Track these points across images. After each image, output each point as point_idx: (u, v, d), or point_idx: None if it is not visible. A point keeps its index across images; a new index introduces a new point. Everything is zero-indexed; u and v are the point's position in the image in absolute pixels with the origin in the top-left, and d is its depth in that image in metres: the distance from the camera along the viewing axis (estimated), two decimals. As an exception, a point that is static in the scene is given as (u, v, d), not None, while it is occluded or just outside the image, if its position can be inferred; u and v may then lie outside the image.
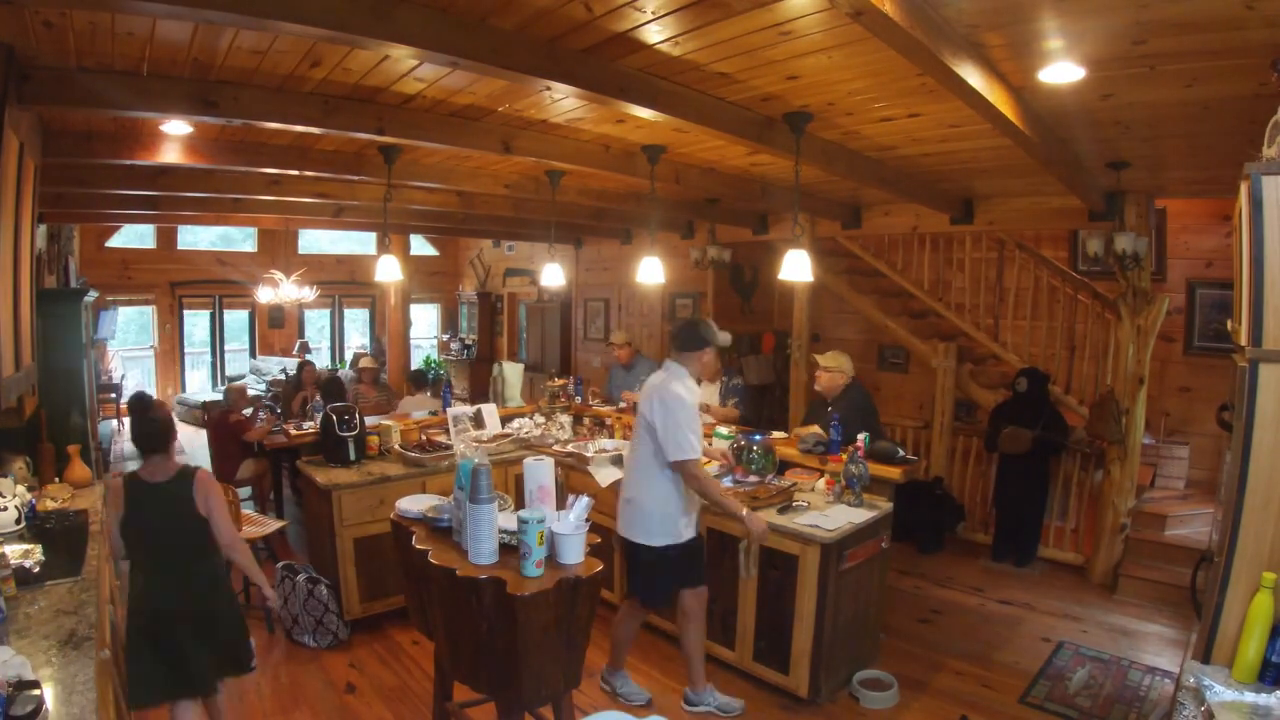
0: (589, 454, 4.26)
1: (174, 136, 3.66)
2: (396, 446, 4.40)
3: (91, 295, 4.51)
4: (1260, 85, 2.52)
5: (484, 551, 2.23)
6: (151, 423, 2.58)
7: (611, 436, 4.89)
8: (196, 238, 11.69)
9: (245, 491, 5.54)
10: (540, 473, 2.44)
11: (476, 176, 4.82)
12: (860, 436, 3.63)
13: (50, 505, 3.12)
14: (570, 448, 4.44)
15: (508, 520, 2.41)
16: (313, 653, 3.75)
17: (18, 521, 2.75)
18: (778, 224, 6.68)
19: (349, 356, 12.28)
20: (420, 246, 12.92)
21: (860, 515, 3.35)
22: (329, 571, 3.91)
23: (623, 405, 5.31)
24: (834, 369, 4.23)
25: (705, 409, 4.88)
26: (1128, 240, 4.41)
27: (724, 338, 3.22)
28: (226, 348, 12.01)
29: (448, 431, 4.72)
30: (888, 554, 3.65)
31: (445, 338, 13.29)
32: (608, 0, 2.11)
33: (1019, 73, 2.61)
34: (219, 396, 8.68)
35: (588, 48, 2.48)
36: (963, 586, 4.79)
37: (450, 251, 13.58)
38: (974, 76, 2.37)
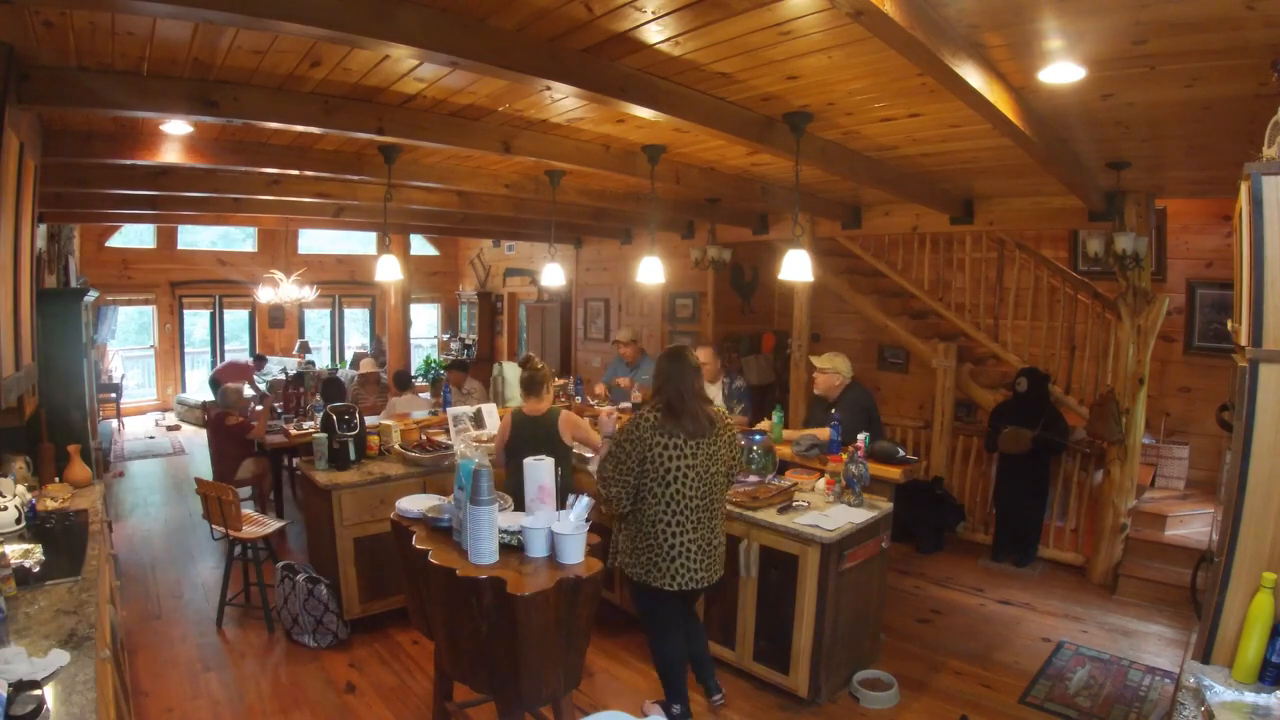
0: (589, 454, 4.25)
1: (174, 136, 3.66)
2: (396, 446, 4.40)
3: (91, 295, 4.50)
4: (1260, 85, 2.52)
5: (484, 551, 2.23)
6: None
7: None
8: (196, 238, 11.69)
9: (245, 491, 5.54)
10: (540, 473, 2.44)
11: (476, 176, 4.82)
12: (860, 436, 3.63)
13: (50, 505, 3.12)
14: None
15: (508, 520, 2.41)
16: (313, 653, 3.75)
17: (18, 521, 2.74)
18: (778, 224, 6.69)
19: (349, 356, 12.29)
20: (420, 246, 12.93)
21: (860, 515, 3.35)
22: (329, 571, 3.91)
23: (624, 405, 5.30)
24: (829, 370, 4.22)
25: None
26: (1128, 240, 4.41)
27: None
28: (226, 347, 12.02)
29: (448, 431, 4.72)
30: (888, 554, 3.65)
31: (445, 338, 13.29)
32: (608, 0, 2.11)
33: (1019, 73, 2.61)
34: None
35: (588, 48, 2.48)
36: (963, 586, 4.79)
37: (450, 251, 13.59)
38: (974, 76, 2.37)
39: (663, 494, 2.75)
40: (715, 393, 4.98)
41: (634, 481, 2.78)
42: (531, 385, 3.66)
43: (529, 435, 3.55)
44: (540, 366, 3.73)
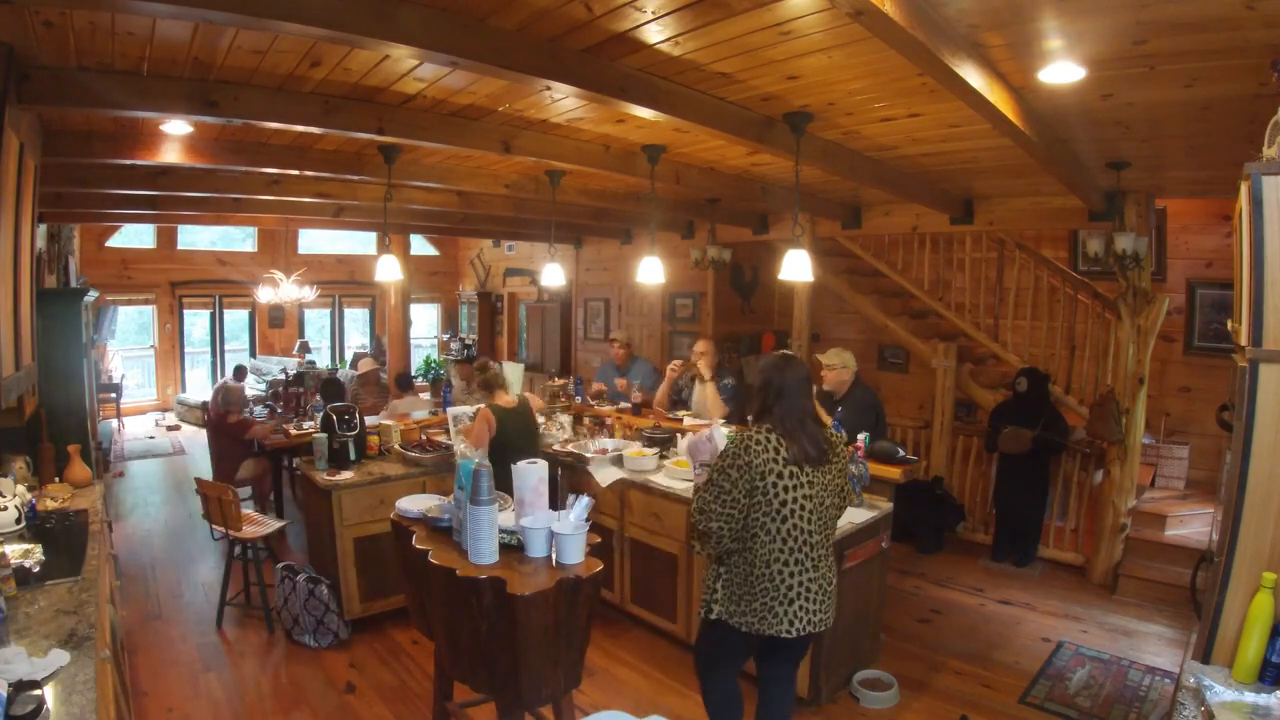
0: (589, 454, 4.26)
1: (174, 136, 3.66)
2: (396, 446, 4.40)
3: (91, 295, 4.50)
4: (1260, 85, 2.52)
5: (484, 551, 2.23)
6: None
7: (611, 436, 4.89)
8: (196, 238, 11.70)
9: (245, 491, 5.53)
10: (532, 476, 2.43)
11: (476, 176, 4.82)
12: (860, 436, 3.63)
13: (50, 505, 3.12)
14: (570, 448, 4.44)
15: (507, 520, 2.41)
16: (313, 653, 3.75)
17: (18, 521, 2.74)
18: (778, 224, 6.69)
19: (349, 356, 12.29)
20: (420, 246, 12.93)
21: (860, 515, 3.35)
22: (329, 571, 3.91)
23: (624, 405, 5.31)
24: (837, 366, 4.23)
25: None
26: (1128, 240, 4.41)
27: None
28: (226, 347, 12.02)
29: (448, 431, 4.72)
30: (888, 554, 3.65)
31: (445, 337, 13.30)
32: (608, 0, 2.11)
33: (1019, 73, 2.61)
34: (219, 396, 8.68)
35: (588, 48, 2.48)
36: (963, 586, 4.79)
37: (450, 251, 13.59)
38: (974, 76, 2.37)
39: (778, 530, 2.33)
40: (709, 391, 4.96)
41: (740, 515, 2.34)
42: (498, 382, 4.03)
43: (514, 426, 3.90)
44: (493, 366, 4.15)
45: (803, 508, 2.35)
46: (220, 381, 9.30)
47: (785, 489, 2.33)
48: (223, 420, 5.47)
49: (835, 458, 2.46)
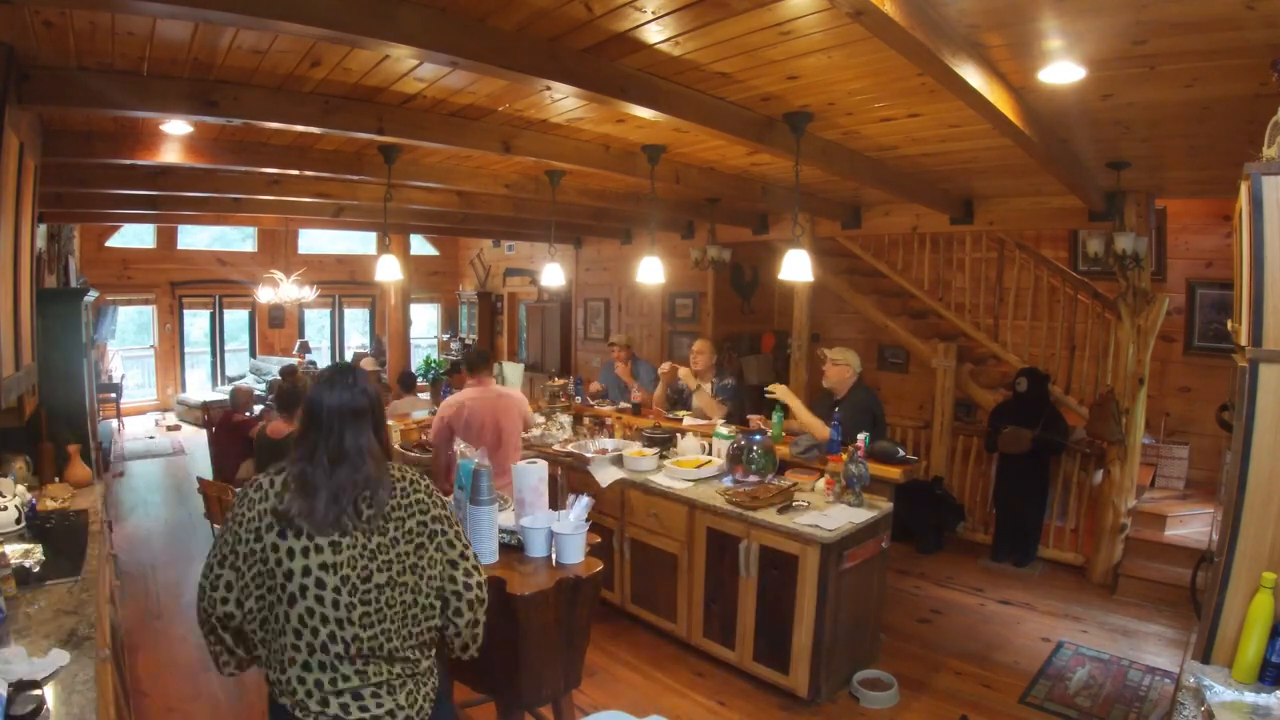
0: (589, 454, 4.25)
1: (174, 136, 3.66)
2: (396, 446, 4.40)
3: (91, 295, 4.50)
4: (1260, 85, 2.52)
5: (484, 551, 2.23)
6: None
7: (611, 436, 4.89)
8: (196, 238, 11.69)
9: (245, 491, 5.53)
10: (532, 476, 2.43)
11: (476, 176, 4.82)
12: (860, 436, 3.63)
13: (50, 505, 3.11)
14: (570, 448, 4.44)
15: (507, 520, 2.41)
16: (313, 653, 3.75)
17: (18, 521, 2.74)
18: (778, 224, 6.69)
19: (349, 356, 12.29)
20: (420, 246, 12.92)
21: (860, 515, 3.35)
22: (329, 571, 3.91)
23: (623, 405, 5.30)
24: (841, 363, 4.22)
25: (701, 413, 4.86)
26: (1128, 240, 4.41)
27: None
28: (226, 347, 12.02)
29: (448, 431, 4.72)
30: (888, 554, 3.65)
31: (445, 337, 13.29)
32: (608, 0, 2.11)
33: (1019, 73, 2.61)
34: (219, 396, 8.70)
35: (588, 47, 2.48)
36: (963, 586, 4.79)
37: (450, 251, 13.58)
38: (974, 76, 2.37)
39: (285, 616, 1.54)
40: (706, 391, 4.92)
41: (241, 586, 1.56)
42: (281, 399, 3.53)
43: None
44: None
45: (320, 584, 1.52)
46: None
47: (288, 553, 1.52)
48: (229, 418, 5.49)
49: (384, 520, 1.58)
